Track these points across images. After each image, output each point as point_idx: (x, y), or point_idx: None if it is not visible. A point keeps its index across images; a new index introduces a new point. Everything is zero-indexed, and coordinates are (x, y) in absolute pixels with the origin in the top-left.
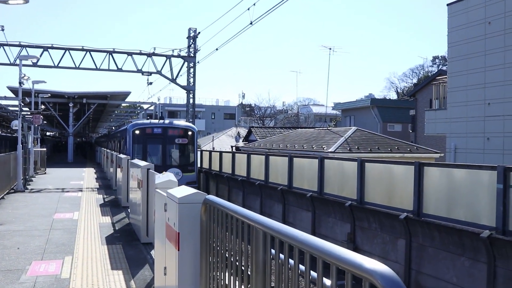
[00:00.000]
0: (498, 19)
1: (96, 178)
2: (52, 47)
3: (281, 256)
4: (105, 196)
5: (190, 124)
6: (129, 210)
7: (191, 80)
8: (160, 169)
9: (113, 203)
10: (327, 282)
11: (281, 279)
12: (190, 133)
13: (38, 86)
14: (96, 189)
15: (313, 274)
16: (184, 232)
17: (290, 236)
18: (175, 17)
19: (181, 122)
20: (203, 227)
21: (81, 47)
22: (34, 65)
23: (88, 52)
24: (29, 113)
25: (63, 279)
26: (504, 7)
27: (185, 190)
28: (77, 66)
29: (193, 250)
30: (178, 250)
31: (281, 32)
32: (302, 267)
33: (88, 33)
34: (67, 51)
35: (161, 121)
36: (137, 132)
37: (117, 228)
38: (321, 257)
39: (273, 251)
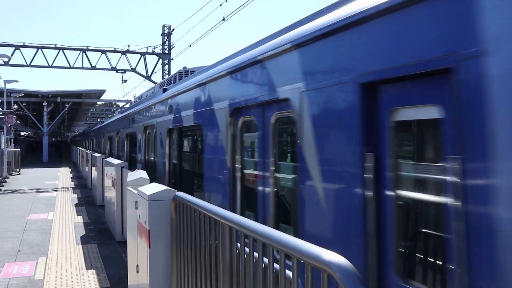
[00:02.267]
0: None
1: (71, 178)
2: (24, 46)
3: (247, 250)
4: (80, 196)
5: None
6: (104, 209)
7: (166, 77)
8: None
9: (89, 202)
10: (291, 274)
11: (247, 272)
12: None
13: (10, 86)
14: (71, 189)
15: (277, 266)
16: (155, 229)
17: (253, 230)
18: (149, 14)
19: None
20: (173, 224)
21: (54, 45)
22: (6, 64)
23: (61, 50)
24: (1, 113)
25: (36, 280)
26: None
27: (155, 187)
28: (50, 64)
29: (164, 247)
30: (149, 247)
31: (254, 27)
32: (266, 260)
33: (61, 32)
34: (39, 50)
35: None
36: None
37: (92, 227)
38: (283, 250)
39: (239, 245)
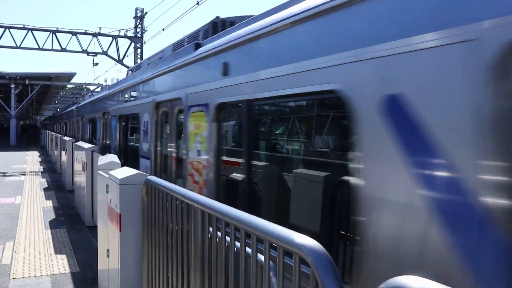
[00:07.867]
0: None
1: (40, 162)
2: None
3: (219, 234)
4: (49, 180)
5: None
6: (74, 193)
7: (138, 61)
8: None
9: (58, 186)
10: (262, 257)
11: (219, 256)
12: None
13: None
14: (40, 173)
15: (249, 250)
16: (126, 214)
17: (226, 213)
18: None
19: None
20: (144, 208)
21: (22, 26)
22: None
23: (30, 31)
24: None
25: (3, 265)
26: None
27: (127, 171)
28: (18, 45)
29: (135, 231)
30: (120, 231)
31: (227, 12)
32: (239, 244)
33: (30, 12)
34: (7, 30)
35: None
36: None
37: (61, 212)
38: (255, 234)
39: (212, 230)
